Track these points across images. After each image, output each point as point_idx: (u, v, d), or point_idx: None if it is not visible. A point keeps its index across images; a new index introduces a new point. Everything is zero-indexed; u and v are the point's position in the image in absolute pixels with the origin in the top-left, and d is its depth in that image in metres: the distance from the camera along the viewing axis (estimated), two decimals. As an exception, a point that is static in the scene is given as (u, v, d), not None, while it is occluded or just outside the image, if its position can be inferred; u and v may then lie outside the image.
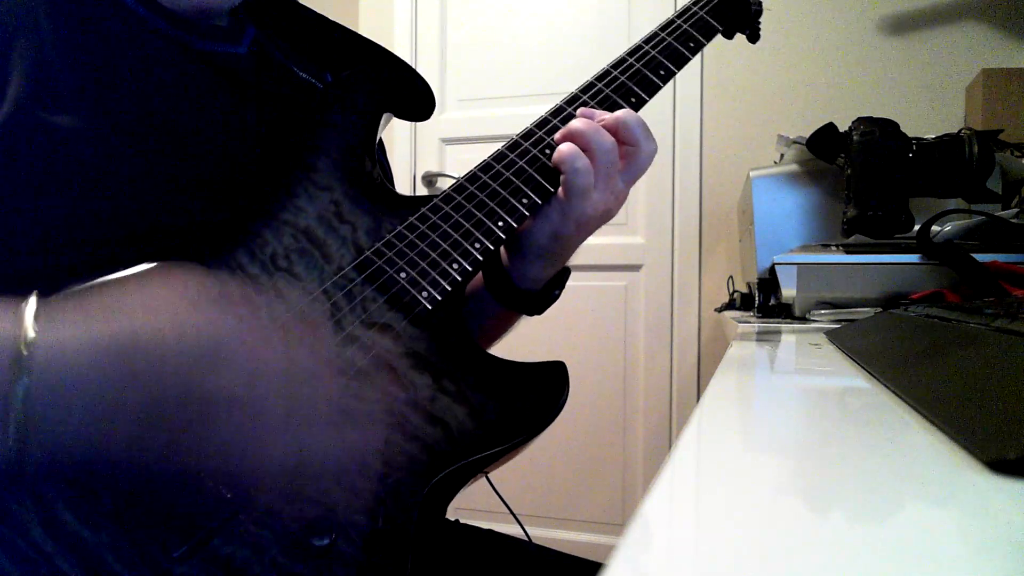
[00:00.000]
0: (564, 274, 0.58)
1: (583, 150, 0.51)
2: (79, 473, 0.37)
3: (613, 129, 0.52)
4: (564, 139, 0.52)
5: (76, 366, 0.36)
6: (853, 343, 0.55)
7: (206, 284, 0.41)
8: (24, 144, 0.43)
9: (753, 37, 0.68)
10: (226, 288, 0.42)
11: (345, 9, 2.12)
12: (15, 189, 0.43)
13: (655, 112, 0.54)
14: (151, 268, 0.42)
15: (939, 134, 0.96)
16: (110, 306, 0.38)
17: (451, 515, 0.57)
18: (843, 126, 0.98)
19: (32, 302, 0.37)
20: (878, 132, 0.93)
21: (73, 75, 0.45)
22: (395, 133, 2.06)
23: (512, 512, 0.82)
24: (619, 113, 0.53)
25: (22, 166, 0.43)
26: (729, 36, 0.65)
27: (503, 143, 0.54)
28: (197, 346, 0.37)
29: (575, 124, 0.52)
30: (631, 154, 0.53)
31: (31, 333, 0.35)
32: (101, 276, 0.40)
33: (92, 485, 0.37)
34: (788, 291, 0.91)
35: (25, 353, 0.35)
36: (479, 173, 0.53)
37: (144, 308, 0.38)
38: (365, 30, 2.09)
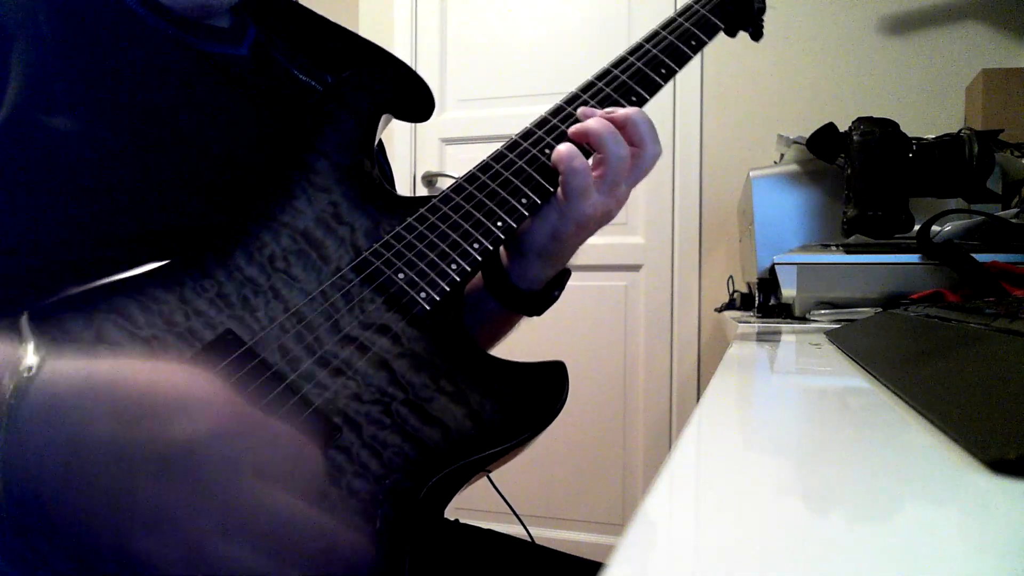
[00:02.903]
0: (564, 275, 0.58)
1: (597, 150, 0.51)
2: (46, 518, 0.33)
3: (621, 125, 0.51)
4: (577, 137, 0.52)
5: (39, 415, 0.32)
6: (853, 343, 0.54)
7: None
8: (23, 146, 0.43)
9: (756, 35, 0.66)
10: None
11: (345, 9, 2.12)
12: (14, 191, 0.43)
13: (655, 112, 0.54)
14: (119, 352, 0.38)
15: (939, 134, 0.96)
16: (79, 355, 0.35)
17: (451, 515, 0.57)
18: (843, 126, 0.98)
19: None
20: (878, 132, 0.93)
21: (72, 76, 0.45)
22: (395, 133, 2.06)
23: (515, 512, 0.82)
24: (629, 110, 0.52)
25: (21, 168, 0.43)
26: (732, 34, 0.64)
27: (502, 143, 0.54)
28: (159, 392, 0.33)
29: (592, 124, 0.51)
30: (635, 155, 0.52)
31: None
32: (98, 279, 0.40)
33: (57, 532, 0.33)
34: (788, 291, 0.91)
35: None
36: (478, 173, 0.52)
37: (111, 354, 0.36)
38: (365, 30, 2.09)
